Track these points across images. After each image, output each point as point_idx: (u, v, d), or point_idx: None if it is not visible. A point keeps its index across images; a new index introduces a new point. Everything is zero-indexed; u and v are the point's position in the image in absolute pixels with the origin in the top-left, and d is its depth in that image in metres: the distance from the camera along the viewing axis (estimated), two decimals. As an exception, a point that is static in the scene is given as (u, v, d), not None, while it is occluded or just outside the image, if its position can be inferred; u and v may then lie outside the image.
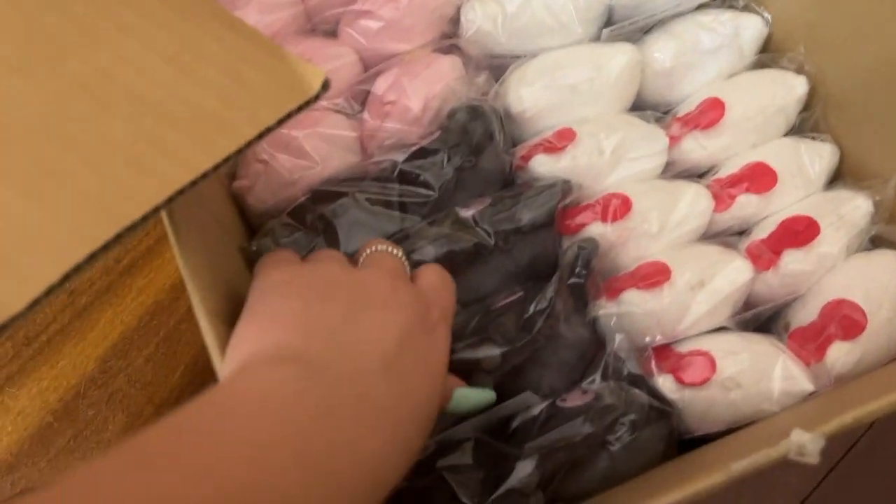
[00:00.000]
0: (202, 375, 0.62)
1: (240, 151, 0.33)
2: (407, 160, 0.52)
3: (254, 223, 0.54)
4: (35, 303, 0.27)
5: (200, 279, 0.35)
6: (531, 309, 0.46)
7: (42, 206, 0.29)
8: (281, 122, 0.35)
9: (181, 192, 0.31)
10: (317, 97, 0.36)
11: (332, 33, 0.58)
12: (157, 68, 0.34)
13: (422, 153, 0.52)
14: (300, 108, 0.36)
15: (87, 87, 0.33)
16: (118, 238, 0.29)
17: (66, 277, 0.28)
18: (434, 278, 0.40)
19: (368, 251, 0.40)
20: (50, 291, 0.27)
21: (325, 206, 0.50)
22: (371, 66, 0.57)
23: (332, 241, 0.49)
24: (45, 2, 0.35)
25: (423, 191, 0.51)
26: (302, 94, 0.35)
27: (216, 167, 0.32)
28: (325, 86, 0.36)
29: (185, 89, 0.34)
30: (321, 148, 0.53)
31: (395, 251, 0.40)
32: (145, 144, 0.32)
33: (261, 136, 0.34)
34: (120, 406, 0.61)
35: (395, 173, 0.52)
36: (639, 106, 0.59)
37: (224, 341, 0.34)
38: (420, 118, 0.54)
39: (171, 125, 0.33)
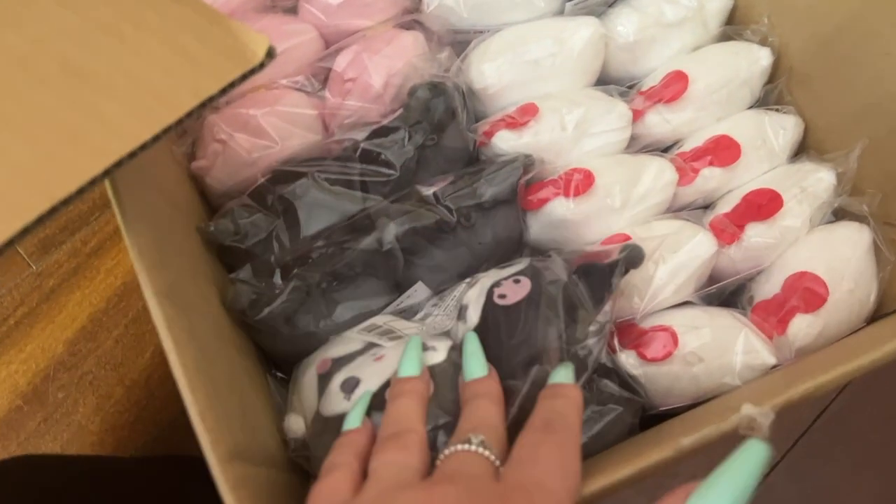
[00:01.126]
0: (170, 358, 0.61)
1: (180, 122, 0.32)
2: (368, 139, 0.51)
3: (214, 204, 0.54)
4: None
5: (148, 259, 0.34)
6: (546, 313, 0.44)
7: (-28, 180, 0.28)
8: (224, 91, 0.34)
9: (119, 163, 0.30)
10: (261, 66, 0.35)
11: (291, 10, 0.57)
12: (95, 39, 0.34)
13: (383, 131, 0.51)
14: (244, 77, 0.35)
15: (22, 59, 0.32)
16: (53, 211, 0.28)
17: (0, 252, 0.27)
18: (541, 472, 0.30)
19: (449, 450, 0.32)
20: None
21: (285, 187, 0.50)
22: (332, 42, 0.56)
23: (293, 223, 0.49)
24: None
25: (384, 170, 0.51)
26: (245, 62, 0.35)
27: (156, 138, 0.31)
28: (270, 53, 0.35)
29: (124, 60, 0.33)
30: (281, 127, 0.52)
31: (482, 450, 0.32)
32: (82, 116, 0.31)
33: (202, 106, 0.33)
34: (90, 388, 0.60)
35: (357, 152, 0.51)
36: (603, 80, 0.58)
37: (171, 321, 0.33)
38: (381, 95, 0.53)
39: (109, 96, 0.32)
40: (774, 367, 0.47)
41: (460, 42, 0.57)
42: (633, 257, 0.44)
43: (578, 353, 0.41)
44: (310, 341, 0.47)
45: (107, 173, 0.30)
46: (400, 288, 0.49)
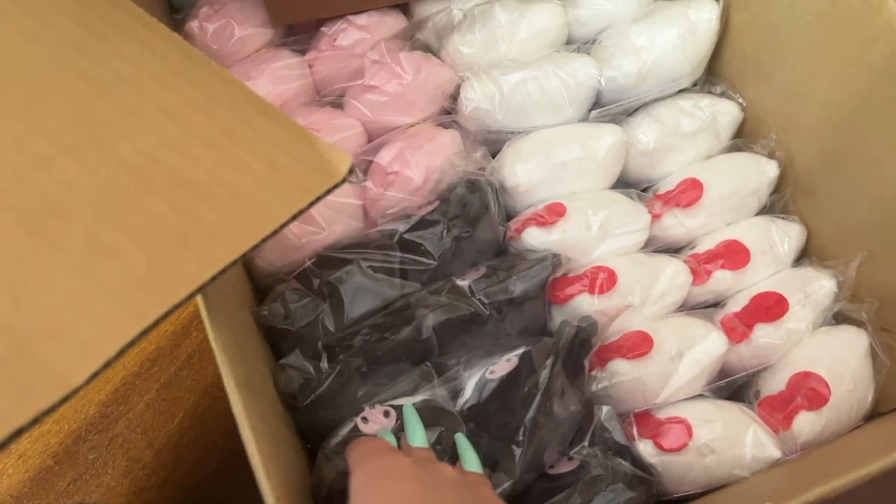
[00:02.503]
0: (202, 422, 0.64)
1: (274, 233, 0.36)
2: (409, 230, 0.55)
3: (258, 283, 0.57)
4: (93, 376, 0.30)
5: (230, 351, 0.37)
6: (526, 383, 0.48)
7: (97, 283, 0.32)
8: (311, 204, 0.38)
9: (223, 271, 0.34)
10: (343, 180, 0.39)
11: (337, 104, 0.62)
12: (196, 152, 0.37)
13: (423, 224, 0.56)
14: (328, 192, 0.39)
15: (134, 168, 0.36)
16: (167, 315, 0.32)
17: (121, 352, 0.30)
18: None
19: None
20: (107, 365, 0.30)
21: (330, 272, 0.53)
22: (374, 136, 0.61)
23: (338, 306, 0.52)
24: (93, 86, 0.38)
25: (423, 259, 0.55)
26: (330, 178, 0.39)
27: (254, 247, 0.35)
28: (352, 170, 0.39)
29: (223, 172, 0.37)
30: (327, 214, 0.56)
31: None
32: (189, 225, 0.34)
33: (293, 218, 0.37)
34: (120, 450, 0.62)
35: (397, 241, 0.55)
36: (622, 181, 0.63)
37: (251, 410, 0.36)
38: (421, 188, 0.58)
39: (212, 207, 0.35)
40: (779, 460, 0.51)
41: (493, 141, 0.61)
42: (588, 332, 0.51)
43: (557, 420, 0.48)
44: (342, 419, 0.50)
45: (213, 280, 0.33)
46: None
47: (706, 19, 0.60)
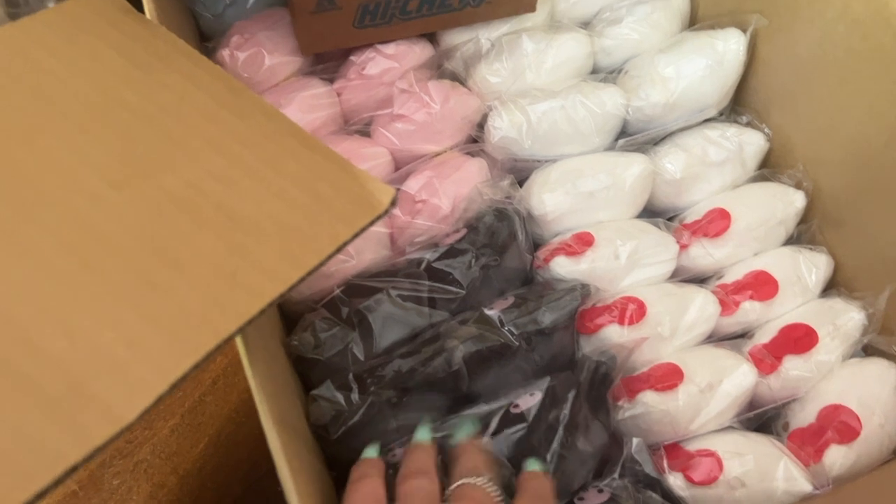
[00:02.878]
0: (226, 447, 0.63)
1: (320, 265, 0.36)
2: (438, 259, 0.55)
3: (287, 311, 0.57)
4: (145, 412, 0.30)
5: (267, 389, 0.37)
6: (549, 417, 0.48)
7: (148, 318, 0.32)
8: (355, 235, 0.38)
9: (271, 304, 0.34)
10: (386, 212, 0.39)
11: (365, 133, 0.62)
12: (242, 184, 0.38)
13: (452, 252, 0.56)
14: (371, 223, 0.39)
15: (182, 201, 0.36)
16: (217, 349, 0.32)
17: (174, 387, 0.30)
18: None
19: (458, 483, 0.39)
20: (159, 400, 0.30)
21: (359, 300, 0.53)
22: (402, 163, 0.61)
23: (367, 335, 0.52)
24: (139, 119, 0.38)
25: (452, 288, 0.55)
26: (373, 210, 0.39)
27: (300, 280, 0.35)
28: (394, 202, 0.40)
29: (269, 204, 0.37)
30: (356, 242, 0.55)
31: (486, 486, 0.39)
32: (238, 258, 0.35)
33: (338, 251, 0.37)
34: (144, 476, 0.62)
35: (425, 269, 0.55)
36: (649, 209, 0.63)
37: (289, 448, 0.36)
38: (449, 216, 0.58)
39: (259, 239, 0.36)
40: (810, 494, 0.50)
41: (520, 169, 0.62)
42: (608, 366, 0.51)
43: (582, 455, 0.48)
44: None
45: (261, 313, 0.34)
46: (458, 401, 0.52)
47: (733, 50, 0.60)
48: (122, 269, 0.33)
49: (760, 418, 0.55)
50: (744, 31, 0.61)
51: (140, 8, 0.48)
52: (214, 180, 0.37)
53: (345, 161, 0.41)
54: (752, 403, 0.56)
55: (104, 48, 0.41)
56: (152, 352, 0.31)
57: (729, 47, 0.60)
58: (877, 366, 0.54)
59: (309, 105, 0.60)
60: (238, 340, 0.39)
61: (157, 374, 0.30)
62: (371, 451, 0.45)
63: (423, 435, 0.45)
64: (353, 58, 0.63)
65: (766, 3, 0.61)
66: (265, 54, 0.61)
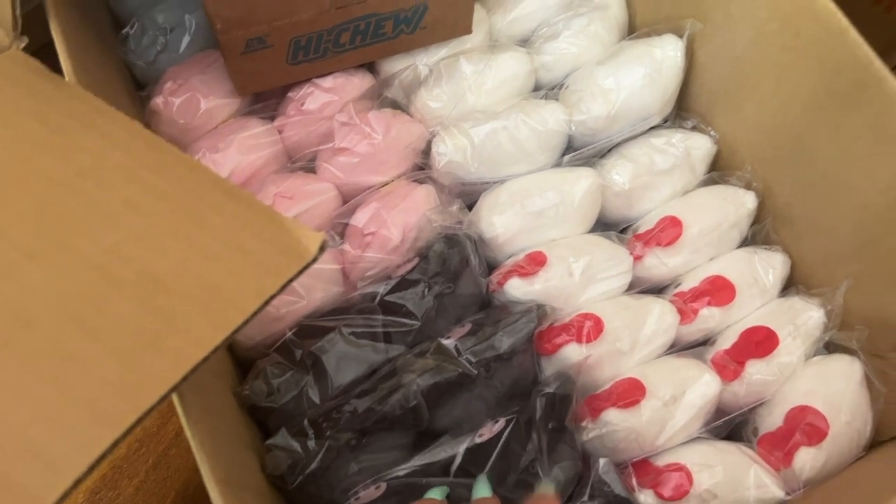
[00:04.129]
0: (193, 500, 0.62)
1: (246, 322, 0.35)
2: (390, 292, 0.54)
3: (240, 358, 0.56)
4: (65, 495, 0.28)
5: (208, 447, 0.36)
6: (514, 446, 0.48)
7: (66, 393, 0.31)
8: (283, 287, 0.37)
9: (195, 368, 0.33)
10: (314, 260, 0.38)
11: (309, 169, 0.61)
12: (164, 244, 0.37)
13: (404, 284, 0.55)
14: (300, 273, 0.38)
15: (100, 267, 0.35)
16: (139, 421, 0.31)
17: (93, 467, 0.29)
18: None
19: None
20: (78, 483, 0.29)
21: (312, 342, 0.52)
22: (349, 197, 0.60)
23: (322, 377, 0.51)
24: (56, 185, 0.37)
25: (406, 320, 0.54)
26: (301, 259, 0.38)
27: (226, 340, 0.34)
28: (323, 248, 0.39)
29: (192, 263, 0.36)
30: (305, 282, 0.55)
31: None
32: (159, 323, 0.34)
33: (265, 304, 0.36)
34: (113, 539, 0.61)
35: (378, 303, 0.54)
36: (601, 222, 0.63)
37: (233, 504, 0.35)
38: (399, 247, 0.57)
39: (182, 301, 0.35)
40: (783, 500, 0.50)
41: (468, 193, 0.61)
42: (565, 389, 0.50)
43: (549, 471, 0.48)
44: (333, 495, 0.49)
45: (185, 378, 0.32)
46: (422, 437, 0.52)
47: (671, 57, 0.60)
48: (38, 343, 0.32)
49: (729, 425, 0.55)
50: (680, 36, 0.61)
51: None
52: (135, 243, 0.36)
53: (270, 210, 0.40)
54: (719, 411, 0.55)
55: (17, 114, 0.40)
56: (72, 429, 0.30)
57: (667, 54, 0.60)
58: (840, 363, 0.54)
59: (249, 146, 0.59)
60: (177, 404, 0.38)
61: (77, 454, 0.29)
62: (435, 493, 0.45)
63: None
64: (290, 94, 0.62)
65: (700, 7, 0.60)
66: (200, 98, 0.60)
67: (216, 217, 0.38)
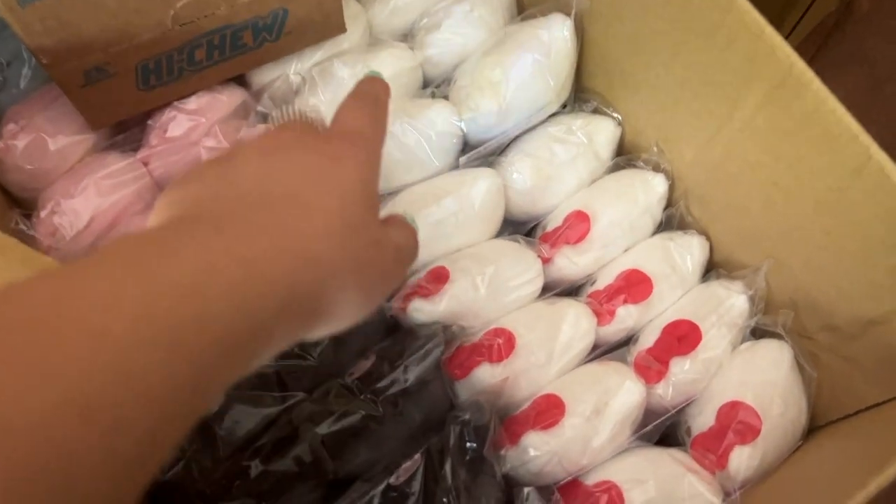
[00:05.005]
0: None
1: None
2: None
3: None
4: None
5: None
6: (431, 486, 0.44)
7: None
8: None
9: None
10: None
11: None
12: None
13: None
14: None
15: None
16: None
17: None
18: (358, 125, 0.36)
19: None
20: None
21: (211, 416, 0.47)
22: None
23: (210, 440, 0.46)
24: None
25: (300, 362, 0.49)
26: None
27: None
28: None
29: None
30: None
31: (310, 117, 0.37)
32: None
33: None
34: None
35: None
36: (509, 219, 0.58)
37: None
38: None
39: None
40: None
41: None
42: (479, 419, 0.46)
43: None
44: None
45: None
46: (334, 487, 0.47)
47: (560, 38, 0.56)
48: None
49: (660, 429, 0.51)
50: (568, 14, 0.56)
51: None
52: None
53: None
54: (648, 414, 0.52)
55: None
56: None
57: (554, 35, 0.55)
58: (768, 349, 0.51)
59: (108, 186, 0.53)
60: None
61: None
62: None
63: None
64: (150, 122, 0.56)
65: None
66: (47, 139, 0.54)
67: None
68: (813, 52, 0.82)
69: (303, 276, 0.27)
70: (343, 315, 0.31)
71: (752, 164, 0.49)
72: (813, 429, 0.51)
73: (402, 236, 0.36)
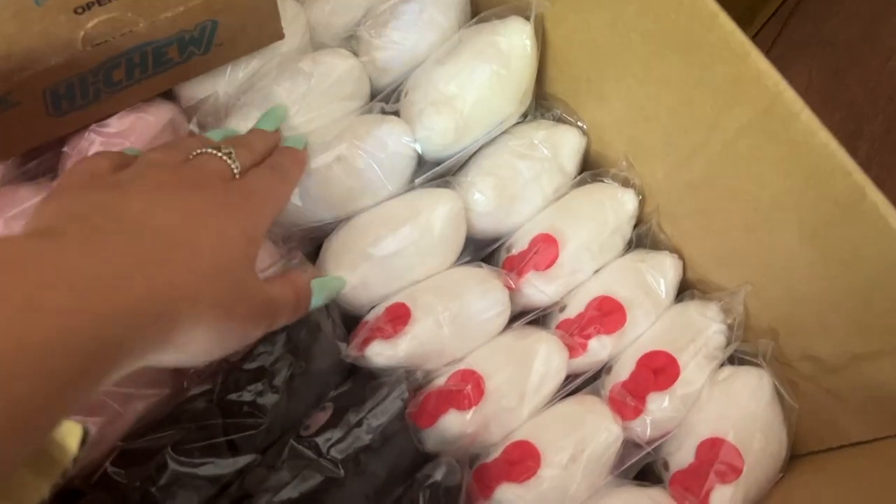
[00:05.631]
0: None
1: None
2: (226, 390, 0.45)
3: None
4: None
5: None
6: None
7: None
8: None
9: None
10: (75, 459, 0.29)
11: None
12: None
13: (242, 378, 0.45)
14: (59, 478, 0.28)
15: None
16: None
17: None
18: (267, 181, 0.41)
19: (199, 152, 0.40)
20: None
21: (138, 470, 0.43)
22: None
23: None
24: None
25: (251, 420, 0.45)
26: (56, 464, 0.28)
27: None
28: (84, 441, 0.29)
29: None
30: (121, 390, 0.45)
31: (227, 158, 0.40)
32: None
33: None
34: None
35: (215, 404, 0.45)
36: (469, 239, 0.54)
37: None
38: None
39: None
40: (705, 546, 0.45)
41: (315, 238, 0.51)
42: (449, 480, 0.44)
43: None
44: None
45: None
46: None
47: (519, 46, 0.51)
48: None
49: (638, 467, 0.49)
50: (527, 18, 0.51)
51: None
52: None
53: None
54: (624, 449, 0.49)
55: None
56: None
57: (513, 43, 0.51)
58: (748, 379, 0.48)
59: (20, 226, 0.47)
60: None
61: None
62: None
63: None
64: (66, 148, 0.50)
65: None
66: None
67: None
68: (777, 31, 0.79)
69: (155, 300, 0.29)
70: (196, 347, 0.33)
71: (732, 189, 0.46)
72: (793, 456, 0.49)
73: (284, 293, 0.40)
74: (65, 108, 0.47)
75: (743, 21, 0.41)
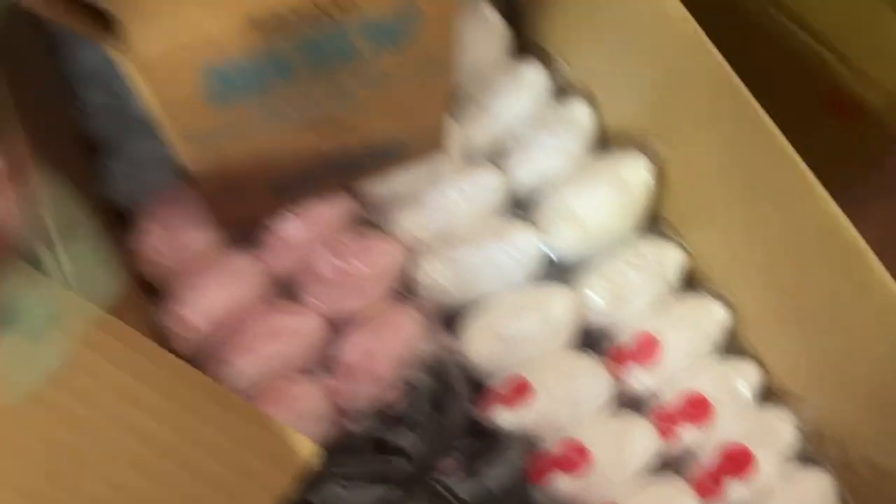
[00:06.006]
0: None
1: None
2: (380, 429, 0.56)
3: None
4: None
5: None
6: None
7: None
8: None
9: None
10: (306, 468, 0.39)
11: (288, 292, 0.62)
12: (157, 466, 0.37)
13: (393, 420, 0.56)
14: (293, 483, 0.39)
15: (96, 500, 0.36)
16: None
17: None
18: None
19: None
20: None
21: (309, 493, 0.53)
22: (333, 326, 0.61)
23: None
24: (62, 420, 0.37)
25: (398, 458, 0.55)
26: (294, 468, 0.39)
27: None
28: (314, 453, 0.40)
29: (186, 486, 0.37)
30: (294, 423, 0.56)
31: None
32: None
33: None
34: None
35: (371, 443, 0.56)
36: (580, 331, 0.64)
37: None
38: (386, 378, 0.58)
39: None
40: None
41: (452, 317, 0.62)
42: None
43: None
44: None
45: None
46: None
47: (637, 179, 0.62)
48: None
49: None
50: (647, 155, 0.63)
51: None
52: (128, 468, 0.37)
53: (263, 416, 0.41)
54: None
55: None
56: None
57: (633, 176, 0.62)
58: (815, 482, 0.57)
59: (229, 282, 0.60)
60: None
61: None
62: None
63: None
64: (270, 224, 0.63)
65: (668, 121, 0.62)
66: (180, 235, 0.60)
67: (210, 430, 0.39)
68: None
69: None
70: None
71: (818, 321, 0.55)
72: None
73: None
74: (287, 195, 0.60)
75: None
